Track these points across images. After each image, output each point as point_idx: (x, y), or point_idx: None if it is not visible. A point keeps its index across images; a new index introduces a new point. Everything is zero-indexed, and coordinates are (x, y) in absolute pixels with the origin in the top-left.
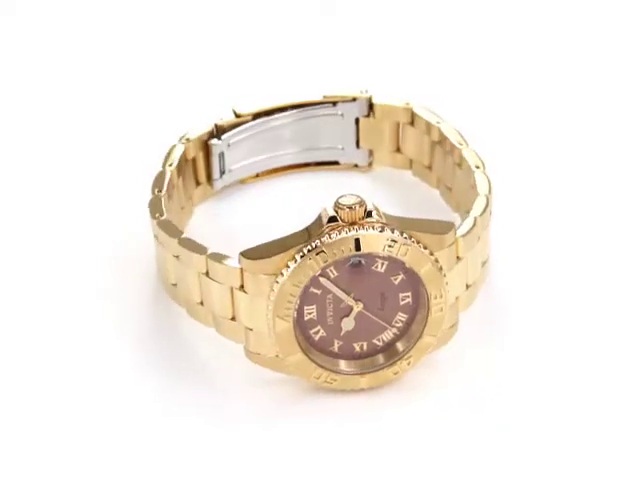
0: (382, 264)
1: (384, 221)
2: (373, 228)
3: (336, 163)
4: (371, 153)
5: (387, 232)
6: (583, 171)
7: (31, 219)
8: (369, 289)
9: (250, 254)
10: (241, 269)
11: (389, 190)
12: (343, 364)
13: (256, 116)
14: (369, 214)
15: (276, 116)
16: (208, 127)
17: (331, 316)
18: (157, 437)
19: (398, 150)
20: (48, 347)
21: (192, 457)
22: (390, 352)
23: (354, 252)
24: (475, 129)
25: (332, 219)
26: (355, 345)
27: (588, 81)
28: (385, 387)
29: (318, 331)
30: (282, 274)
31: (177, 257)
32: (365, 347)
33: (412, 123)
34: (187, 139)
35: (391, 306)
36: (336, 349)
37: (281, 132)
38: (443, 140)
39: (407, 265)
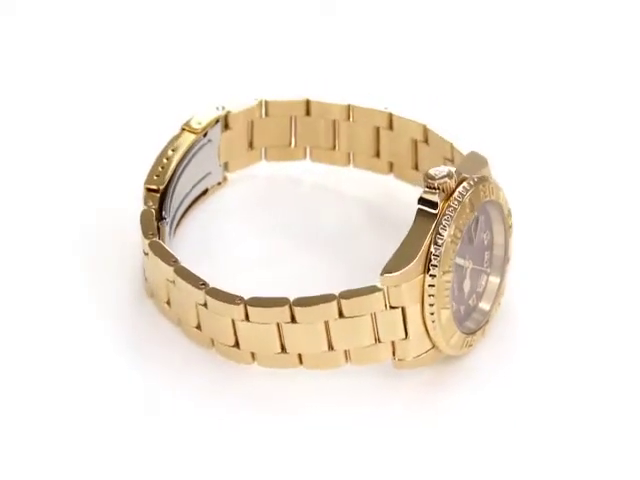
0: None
1: (470, 175)
2: (470, 184)
3: (206, 191)
4: (226, 166)
5: (479, 182)
6: (583, 173)
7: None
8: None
9: (393, 267)
10: (383, 291)
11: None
12: (485, 306)
13: (167, 185)
14: (458, 175)
15: (177, 173)
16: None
17: (455, 286)
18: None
19: (251, 146)
20: (37, 339)
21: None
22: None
23: (473, 213)
24: (475, 131)
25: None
26: (470, 302)
27: (582, 80)
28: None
29: (452, 305)
30: (431, 269)
31: (291, 322)
32: (475, 299)
33: (266, 114)
34: (152, 234)
35: (480, 250)
36: (462, 313)
37: (182, 185)
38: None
39: (494, 200)
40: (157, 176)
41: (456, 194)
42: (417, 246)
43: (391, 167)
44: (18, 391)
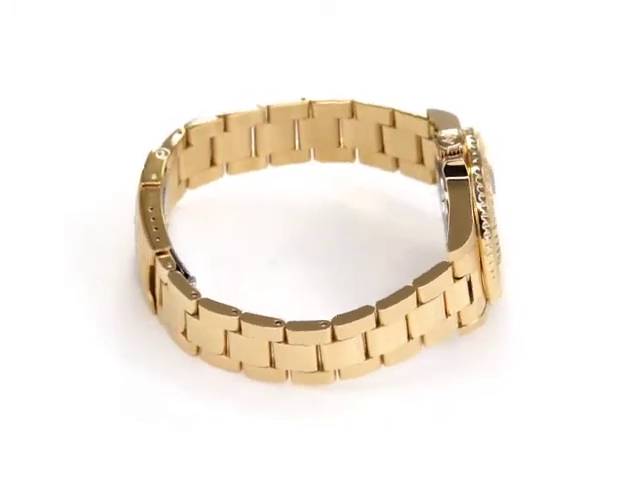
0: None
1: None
2: (473, 138)
3: None
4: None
5: (476, 136)
6: (580, 168)
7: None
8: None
9: (457, 241)
10: (450, 267)
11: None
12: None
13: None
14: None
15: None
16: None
17: None
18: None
19: (179, 180)
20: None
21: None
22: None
23: (487, 164)
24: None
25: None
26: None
27: (584, 81)
28: None
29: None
30: (484, 230)
31: (376, 328)
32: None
33: (188, 144)
34: (194, 294)
35: None
36: None
37: None
38: None
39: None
40: (158, 238)
41: (471, 151)
42: (467, 213)
43: (309, 154)
44: (13, 394)
